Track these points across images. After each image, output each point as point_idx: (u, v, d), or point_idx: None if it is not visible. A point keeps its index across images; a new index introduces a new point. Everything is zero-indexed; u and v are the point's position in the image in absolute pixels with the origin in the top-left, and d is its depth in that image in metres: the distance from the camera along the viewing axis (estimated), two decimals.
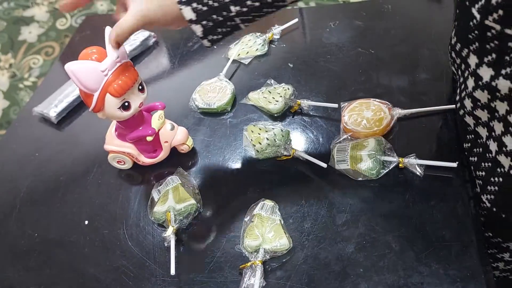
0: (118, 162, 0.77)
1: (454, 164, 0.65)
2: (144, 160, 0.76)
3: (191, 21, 0.58)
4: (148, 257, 0.65)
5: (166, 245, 0.64)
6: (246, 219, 0.66)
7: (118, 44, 0.61)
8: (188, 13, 0.58)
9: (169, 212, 0.66)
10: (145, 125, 0.71)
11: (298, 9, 1.09)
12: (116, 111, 0.64)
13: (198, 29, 0.59)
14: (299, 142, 0.76)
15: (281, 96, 0.82)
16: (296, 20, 1.00)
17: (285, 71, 0.90)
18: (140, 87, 0.66)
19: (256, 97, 0.84)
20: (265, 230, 0.63)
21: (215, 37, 0.62)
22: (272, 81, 0.86)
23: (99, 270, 0.65)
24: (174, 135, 0.74)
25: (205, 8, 0.58)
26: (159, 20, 0.59)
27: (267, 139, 0.73)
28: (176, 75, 0.96)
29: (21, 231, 0.72)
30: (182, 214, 0.67)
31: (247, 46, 0.96)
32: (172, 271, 0.61)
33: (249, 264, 0.60)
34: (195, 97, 0.86)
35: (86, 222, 0.71)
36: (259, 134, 0.74)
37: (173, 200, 0.67)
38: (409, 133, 0.74)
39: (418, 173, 0.67)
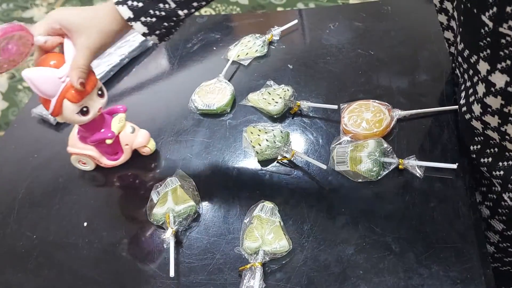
0: (81, 163, 0.77)
1: (454, 166, 0.65)
2: (106, 162, 0.76)
3: (144, 34, 0.61)
4: (147, 259, 0.65)
5: (165, 246, 0.64)
6: (245, 221, 0.66)
7: (83, 84, 0.62)
8: (139, 27, 0.60)
9: (168, 213, 0.66)
10: (106, 128, 0.72)
11: (297, 11, 1.09)
12: (75, 116, 0.64)
13: (154, 39, 0.62)
14: (299, 143, 0.76)
15: (280, 98, 0.81)
16: (295, 21, 1.00)
17: (285, 72, 0.90)
18: (99, 92, 0.67)
19: (255, 99, 0.84)
20: (264, 232, 0.63)
21: (170, 36, 0.64)
22: (272, 82, 0.86)
23: (98, 272, 0.65)
24: (135, 138, 0.74)
25: (154, 20, 0.60)
26: (106, 44, 0.62)
27: (267, 140, 0.73)
28: (175, 76, 0.96)
29: (20, 233, 0.72)
30: (182, 215, 0.66)
31: (247, 47, 0.96)
32: (172, 273, 0.60)
33: (248, 266, 0.60)
34: (194, 98, 0.86)
35: (85, 224, 0.71)
36: (258, 135, 0.74)
37: (172, 202, 0.67)
38: (409, 134, 0.74)
39: (418, 175, 0.66)
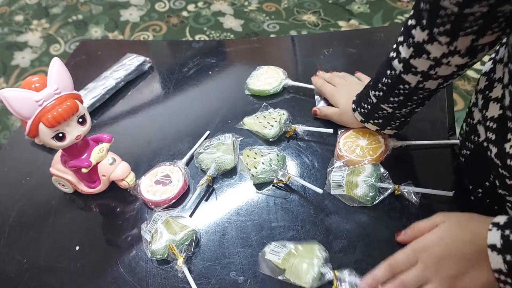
0: (61, 185, 0.77)
1: (450, 193, 0.65)
2: (83, 188, 0.76)
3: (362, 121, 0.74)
4: (140, 284, 0.64)
5: (180, 276, 0.62)
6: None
7: None
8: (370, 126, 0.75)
9: (171, 244, 0.64)
10: (87, 156, 0.71)
11: (292, 37, 1.10)
12: (50, 140, 0.65)
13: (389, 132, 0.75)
14: (295, 167, 0.76)
15: (276, 121, 0.82)
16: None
17: (280, 96, 0.91)
18: (80, 120, 0.67)
19: (251, 122, 0.84)
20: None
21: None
22: (268, 106, 0.86)
23: None
24: (113, 170, 0.73)
25: (380, 121, 0.73)
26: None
27: (263, 163, 0.72)
28: (171, 100, 0.96)
29: (10, 257, 0.70)
30: (184, 242, 0.65)
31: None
32: None
33: None
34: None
35: (77, 248, 0.70)
36: (254, 158, 0.74)
37: (169, 233, 0.66)
38: (404, 163, 0.74)
39: (413, 201, 0.66)
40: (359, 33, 1.08)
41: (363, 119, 0.74)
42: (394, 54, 0.64)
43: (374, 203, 0.67)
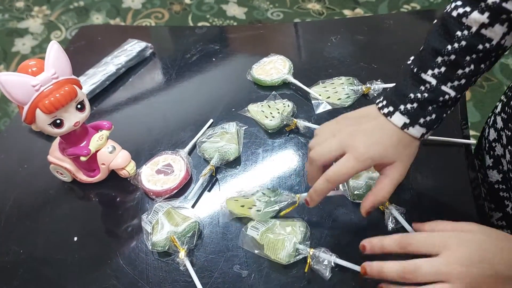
0: (59, 173, 0.75)
1: None
2: (82, 177, 0.73)
3: (405, 125, 0.52)
4: (140, 277, 0.61)
5: (181, 268, 0.60)
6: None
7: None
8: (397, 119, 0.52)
9: (173, 236, 0.62)
10: (86, 143, 0.69)
11: (297, 23, 1.07)
12: (47, 127, 0.62)
13: (418, 131, 0.52)
14: (292, 161, 0.73)
15: (278, 112, 0.79)
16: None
17: (287, 86, 0.88)
18: (78, 106, 0.64)
19: (255, 110, 0.81)
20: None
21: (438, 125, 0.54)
22: (277, 95, 0.83)
23: None
24: (113, 159, 0.70)
25: (415, 105, 0.52)
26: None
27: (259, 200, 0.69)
28: (173, 86, 0.93)
29: (6, 247, 0.68)
30: (186, 234, 0.63)
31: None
32: None
33: None
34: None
35: (75, 238, 0.67)
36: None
37: (171, 225, 0.64)
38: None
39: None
40: (367, 20, 1.05)
41: (407, 122, 0.52)
42: (468, 8, 0.48)
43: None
